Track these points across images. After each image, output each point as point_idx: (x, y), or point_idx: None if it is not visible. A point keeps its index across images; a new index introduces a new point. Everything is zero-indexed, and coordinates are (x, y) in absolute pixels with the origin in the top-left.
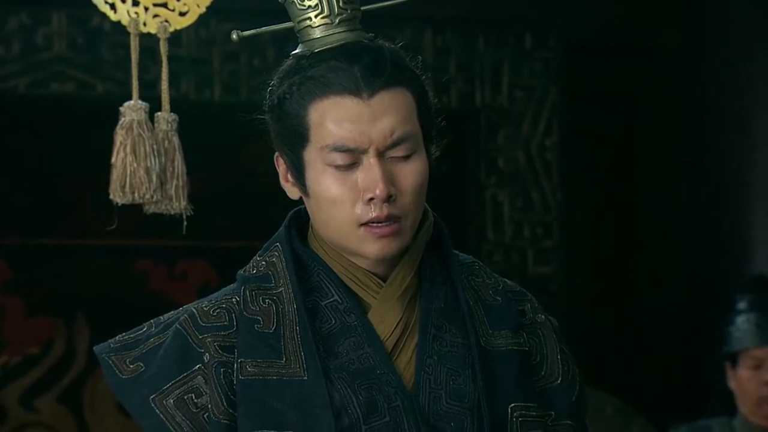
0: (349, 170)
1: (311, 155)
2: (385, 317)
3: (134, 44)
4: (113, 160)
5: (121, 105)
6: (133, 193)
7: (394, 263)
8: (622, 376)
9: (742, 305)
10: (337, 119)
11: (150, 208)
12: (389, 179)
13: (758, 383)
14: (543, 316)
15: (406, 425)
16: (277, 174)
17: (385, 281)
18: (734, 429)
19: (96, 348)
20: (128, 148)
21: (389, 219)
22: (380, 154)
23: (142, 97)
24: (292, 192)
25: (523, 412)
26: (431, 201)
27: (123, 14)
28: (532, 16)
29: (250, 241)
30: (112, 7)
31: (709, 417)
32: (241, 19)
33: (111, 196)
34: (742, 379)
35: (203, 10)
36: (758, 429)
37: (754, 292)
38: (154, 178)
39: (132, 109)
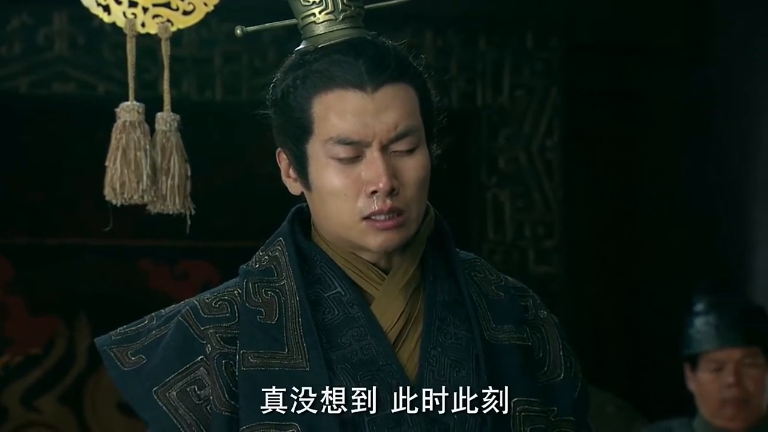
0: (352, 163)
1: (314, 148)
2: (388, 309)
3: (130, 45)
4: (107, 161)
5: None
6: (123, 193)
7: (396, 256)
8: (624, 375)
9: (700, 307)
10: (341, 112)
11: (151, 208)
12: (392, 172)
13: (720, 386)
14: (545, 312)
15: (408, 417)
16: (278, 174)
17: (387, 273)
18: (694, 430)
19: (97, 340)
20: (120, 149)
21: (392, 212)
22: (383, 148)
23: (143, 98)
24: (294, 188)
25: (526, 406)
26: (432, 201)
27: (118, 16)
28: (533, 16)
29: (251, 241)
30: (106, 9)
31: (669, 418)
32: (243, 19)
33: (106, 197)
34: (702, 382)
35: (210, 8)
36: (720, 430)
37: (712, 294)
38: (144, 178)
39: (126, 110)
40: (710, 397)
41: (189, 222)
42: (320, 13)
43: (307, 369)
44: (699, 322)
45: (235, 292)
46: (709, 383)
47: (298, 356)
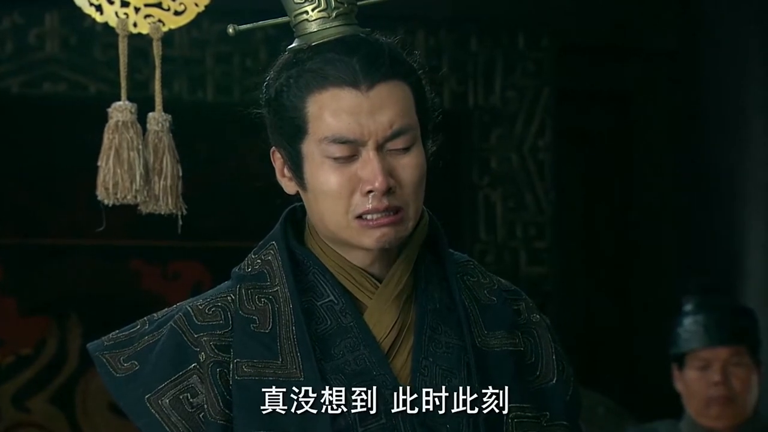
0: (348, 162)
1: (309, 148)
2: (382, 318)
3: (122, 46)
4: (99, 161)
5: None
6: (116, 193)
7: (389, 263)
8: (616, 377)
9: (688, 307)
10: (335, 111)
11: (143, 208)
12: (388, 172)
13: (706, 384)
14: (538, 316)
15: (401, 427)
16: (270, 174)
17: (380, 281)
18: (681, 430)
19: (89, 346)
20: (113, 149)
21: (388, 210)
22: (379, 147)
23: (135, 98)
24: (289, 187)
25: (519, 413)
26: (424, 201)
27: (110, 16)
28: (525, 17)
29: (243, 242)
30: (98, 8)
31: (661, 419)
32: (234, 20)
33: (98, 197)
34: (689, 381)
35: (201, 9)
36: (706, 430)
37: (701, 294)
38: (137, 178)
39: (118, 110)
40: (696, 396)
41: (180, 222)
42: (313, 10)
43: (301, 379)
44: (687, 322)
45: (228, 298)
46: (695, 382)
47: (292, 366)
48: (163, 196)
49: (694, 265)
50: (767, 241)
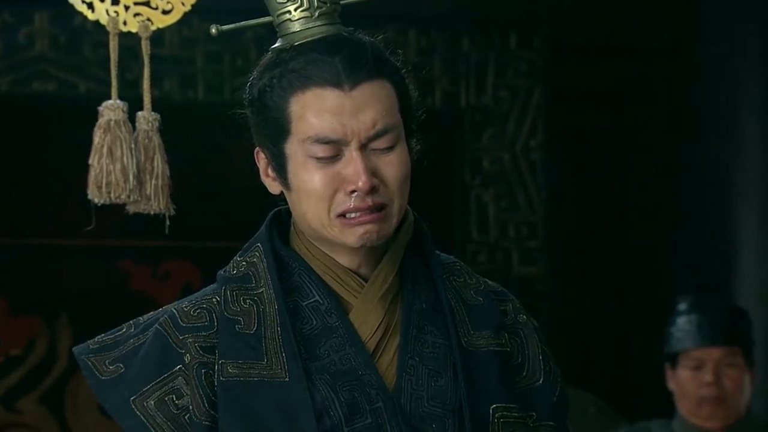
0: (331, 162)
1: (293, 148)
2: (367, 318)
3: (113, 44)
4: (91, 159)
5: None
6: (109, 192)
7: (375, 263)
8: (609, 377)
9: (683, 307)
10: (318, 111)
11: (131, 208)
12: (372, 171)
13: (698, 384)
14: (524, 317)
15: (387, 427)
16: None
17: (366, 281)
18: (673, 430)
19: (75, 349)
20: (105, 148)
21: (372, 209)
22: (362, 147)
23: (125, 97)
24: (273, 187)
25: (505, 413)
26: (416, 201)
27: (101, 13)
28: (517, 16)
29: (233, 242)
30: (90, 6)
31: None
32: (225, 19)
33: (89, 196)
34: (682, 380)
35: (188, 8)
36: (697, 429)
37: (696, 294)
38: (130, 177)
39: (110, 109)
40: (688, 396)
41: (168, 222)
42: (295, 10)
43: (287, 379)
44: (681, 321)
45: (214, 300)
46: (687, 381)
47: (277, 366)
48: (155, 196)
49: (688, 265)
50: (761, 241)
